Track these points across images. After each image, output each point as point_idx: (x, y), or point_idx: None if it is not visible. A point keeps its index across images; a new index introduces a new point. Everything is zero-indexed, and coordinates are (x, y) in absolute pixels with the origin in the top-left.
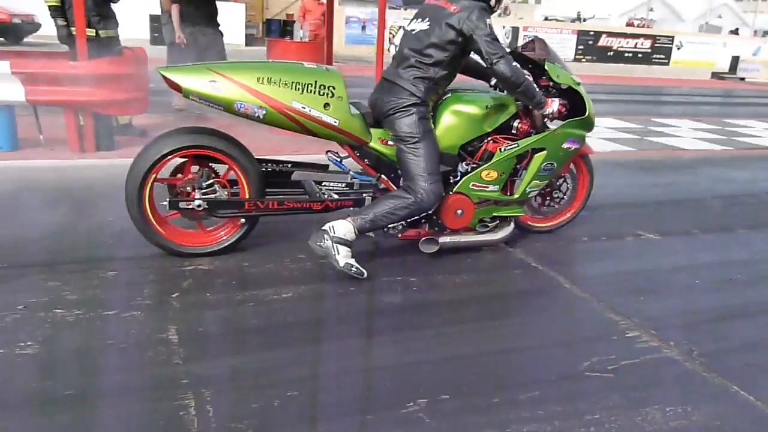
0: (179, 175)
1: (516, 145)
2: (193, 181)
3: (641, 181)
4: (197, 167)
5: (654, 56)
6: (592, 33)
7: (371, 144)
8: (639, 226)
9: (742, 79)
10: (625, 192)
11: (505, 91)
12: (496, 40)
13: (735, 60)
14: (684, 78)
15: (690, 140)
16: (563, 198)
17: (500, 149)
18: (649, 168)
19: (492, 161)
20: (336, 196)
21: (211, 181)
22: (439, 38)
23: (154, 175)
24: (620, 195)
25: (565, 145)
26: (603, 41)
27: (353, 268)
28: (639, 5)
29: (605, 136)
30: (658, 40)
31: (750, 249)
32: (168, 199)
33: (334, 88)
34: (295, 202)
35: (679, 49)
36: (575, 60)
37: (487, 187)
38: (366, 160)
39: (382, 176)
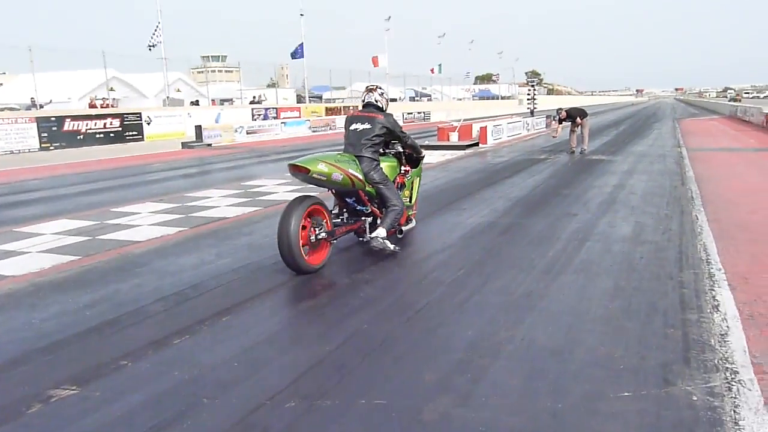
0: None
1: (411, 176)
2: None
3: (70, 306)
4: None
5: (127, 134)
6: (53, 118)
7: (367, 188)
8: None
9: (209, 145)
10: (47, 329)
11: (406, 151)
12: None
13: (199, 129)
14: (159, 152)
15: (147, 228)
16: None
17: (406, 180)
18: (90, 281)
19: (405, 186)
20: (353, 220)
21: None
22: (378, 131)
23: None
24: (44, 337)
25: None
26: (68, 125)
27: (396, 248)
28: (98, 86)
29: (44, 248)
30: (127, 118)
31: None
32: (317, 233)
33: (354, 165)
34: (345, 227)
35: (149, 124)
36: (42, 149)
37: (405, 200)
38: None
39: (373, 206)
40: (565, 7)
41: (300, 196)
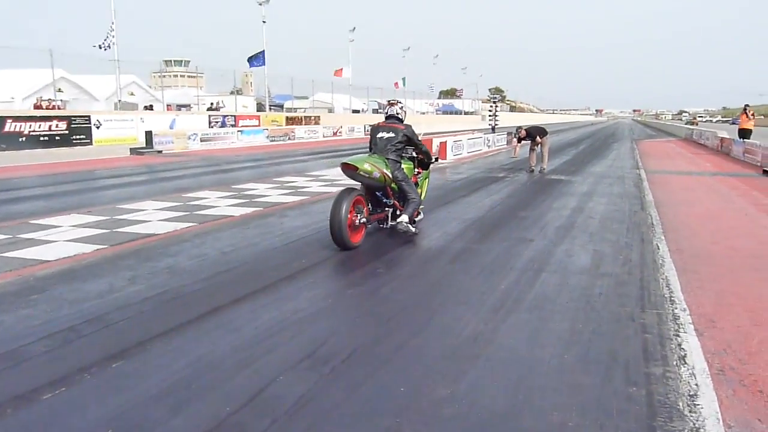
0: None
1: (422, 177)
2: (361, 212)
3: None
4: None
5: (74, 137)
6: None
7: (392, 185)
8: None
9: (160, 152)
10: None
11: (419, 156)
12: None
13: (149, 134)
14: (105, 157)
15: (62, 245)
16: None
17: (419, 179)
18: None
19: (419, 184)
20: (379, 210)
21: (364, 210)
22: (401, 139)
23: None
24: None
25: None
26: (10, 127)
27: (416, 231)
28: (44, 86)
29: None
30: (74, 120)
31: None
32: (358, 218)
33: (386, 165)
34: (375, 216)
35: (98, 128)
36: None
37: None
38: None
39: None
40: (529, 28)
41: (347, 188)
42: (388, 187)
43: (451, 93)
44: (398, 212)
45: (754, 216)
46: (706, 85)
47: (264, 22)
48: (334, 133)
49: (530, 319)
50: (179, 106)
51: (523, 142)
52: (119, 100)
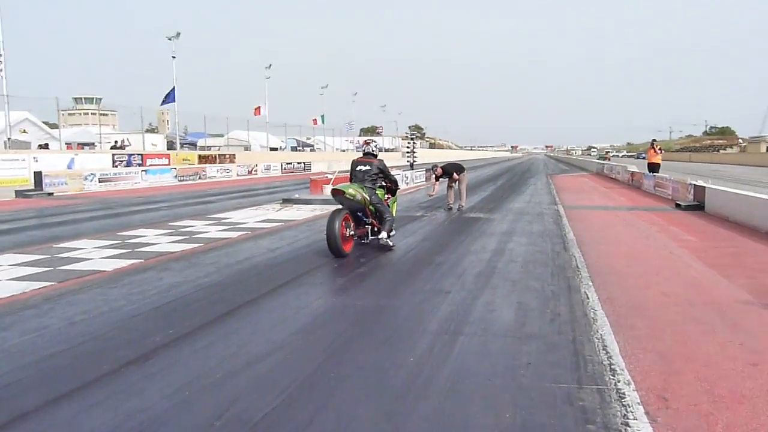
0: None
1: (391, 201)
2: (349, 226)
3: None
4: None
5: None
6: None
7: (369, 207)
8: None
9: (50, 194)
10: None
11: (388, 185)
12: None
13: (38, 175)
14: None
15: None
16: None
17: (389, 203)
18: None
19: (389, 206)
20: (360, 227)
21: (351, 225)
22: (375, 171)
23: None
24: None
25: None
26: None
27: (393, 245)
28: None
29: None
30: None
31: None
32: (348, 232)
33: (365, 191)
34: (359, 230)
35: None
36: None
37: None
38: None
39: (373, 218)
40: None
41: (337, 209)
42: (366, 209)
43: (371, 131)
44: (375, 229)
45: (677, 254)
46: (611, 122)
47: (174, 57)
48: (249, 172)
49: (441, 412)
50: (82, 145)
51: (441, 179)
52: (8, 139)
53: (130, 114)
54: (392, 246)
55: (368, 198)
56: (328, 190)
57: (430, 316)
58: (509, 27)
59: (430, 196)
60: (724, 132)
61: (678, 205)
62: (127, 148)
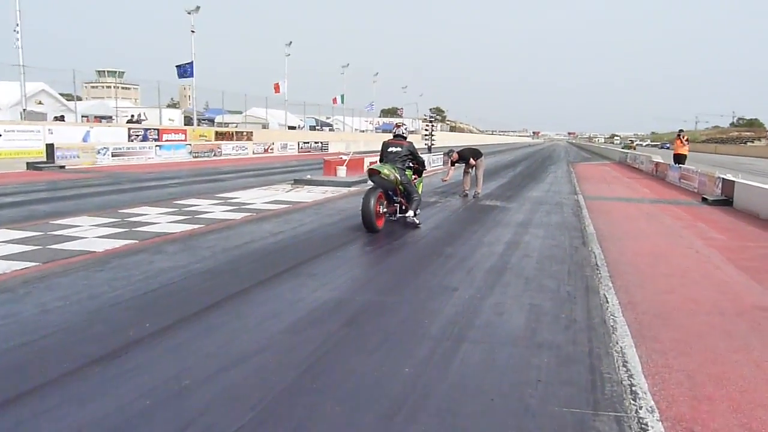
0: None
1: (418, 182)
2: (382, 203)
3: None
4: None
5: None
6: None
7: (400, 186)
8: None
9: (62, 167)
10: None
11: (414, 165)
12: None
13: (50, 148)
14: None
15: None
16: None
17: (416, 183)
18: None
19: (416, 186)
20: (391, 205)
21: (385, 203)
22: (405, 152)
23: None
24: None
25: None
26: None
27: (419, 223)
28: None
29: None
30: None
31: None
32: (380, 209)
33: (397, 171)
34: (390, 208)
35: None
36: None
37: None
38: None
39: (401, 197)
40: (470, 49)
41: (371, 188)
42: (397, 188)
43: (392, 112)
44: (403, 207)
45: (705, 254)
46: (635, 110)
47: (193, 31)
48: (266, 150)
49: None
50: (100, 118)
51: (456, 164)
52: (24, 110)
53: (152, 88)
54: (419, 224)
55: (399, 178)
56: (341, 171)
57: (432, 318)
58: (534, 13)
59: (443, 181)
60: (752, 124)
61: (704, 200)
62: (143, 122)
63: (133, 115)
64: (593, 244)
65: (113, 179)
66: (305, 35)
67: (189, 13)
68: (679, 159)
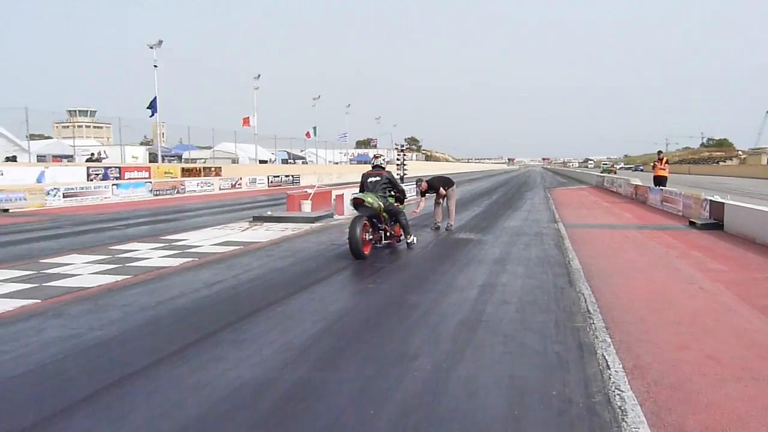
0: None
1: (400, 209)
2: (368, 231)
3: None
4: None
5: None
6: None
7: (383, 213)
8: None
9: (5, 210)
10: None
11: (397, 194)
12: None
13: None
14: None
15: None
16: None
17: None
18: None
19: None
20: (376, 233)
21: (370, 231)
22: (384, 181)
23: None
24: None
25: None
26: None
27: (416, 241)
28: None
29: None
30: None
31: None
32: (366, 236)
33: (379, 199)
34: (375, 235)
35: None
36: None
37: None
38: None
39: (385, 224)
40: (442, 81)
41: (357, 216)
42: (381, 215)
43: (366, 143)
44: (388, 234)
45: (711, 291)
46: (607, 134)
47: (155, 66)
48: (233, 186)
49: None
50: (60, 158)
51: (426, 195)
52: None
53: (123, 126)
54: (415, 242)
55: (382, 205)
56: (306, 206)
57: (380, 406)
58: (507, 43)
59: (413, 214)
60: (722, 144)
61: (692, 224)
62: (104, 160)
63: (92, 154)
64: (581, 283)
65: (55, 223)
66: (275, 68)
67: (151, 47)
68: (660, 181)
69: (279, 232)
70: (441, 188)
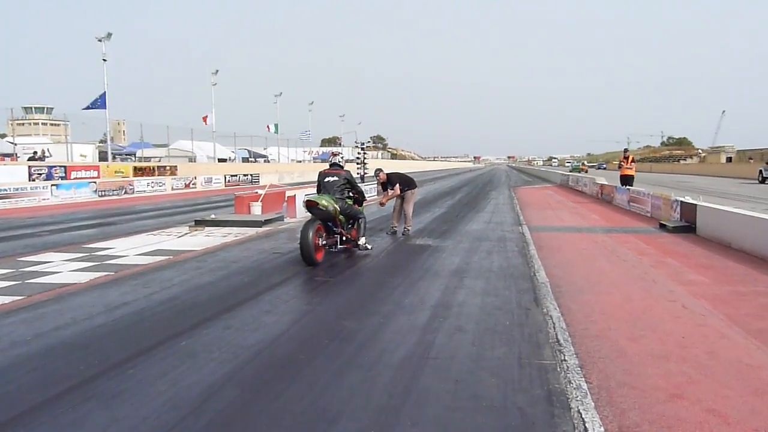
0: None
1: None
2: (321, 235)
3: None
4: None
5: None
6: None
7: (339, 216)
8: None
9: None
10: None
11: (354, 195)
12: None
13: None
14: None
15: None
16: None
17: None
18: None
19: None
20: (330, 236)
21: (324, 235)
22: (342, 181)
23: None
24: None
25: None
26: None
27: (370, 248)
28: None
29: None
30: None
31: None
32: (320, 241)
33: (335, 201)
34: (330, 240)
35: None
36: None
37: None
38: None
39: (341, 228)
40: (408, 79)
41: (310, 219)
42: (336, 219)
43: (332, 141)
44: (344, 239)
45: (695, 311)
46: (570, 133)
47: (105, 60)
48: (187, 185)
49: None
50: (3, 156)
51: (390, 190)
52: None
53: (80, 124)
54: (370, 248)
55: (338, 208)
56: (256, 208)
57: None
58: (471, 41)
59: (381, 205)
60: (682, 143)
61: (663, 226)
62: (47, 159)
63: (35, 152)
64: (548, 301)
65: None
66: (233, 63)
67: (100, 40)
68: (627, 180)
69: (219, 239)
70: (398, 187)
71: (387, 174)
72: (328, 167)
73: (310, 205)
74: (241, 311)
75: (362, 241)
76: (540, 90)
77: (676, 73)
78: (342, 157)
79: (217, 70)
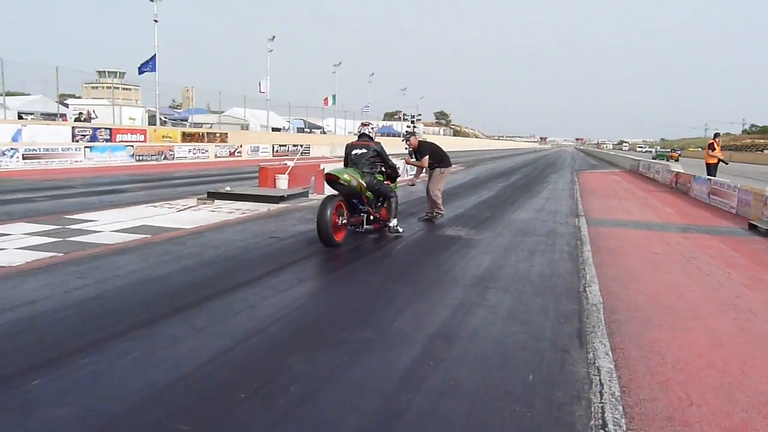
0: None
1: (391, 188)
2: (342, 213)
3: None
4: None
5: None
6: None
7: (366, 193)
8: None
9: None
10: None
11: (388, 171)
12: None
13: None
14: None
15: None
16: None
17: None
18: None
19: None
20: (355, 215)
21: (346, 213)
22: (372, 154)
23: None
24: None
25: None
26: None
27: (401, 231)
28: None
29: None
30: None
31: None
32: (340, 220)
33: (361, 176)
34: (353, 219)
35: None
36: None
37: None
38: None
39: (368, 206)
40: (475, 53)
41: (330, 195)
42: (362, 195)
43: (393, 115)
44: (372, 217)
45: None
46: (644, 117)
47: (156, 21)
48: (231, 153)
49: None
50: (49, 116)
51: (421, 164)
52: None
53: (147, 89)
54: (401, 232)
55: (364, 184)
56: (282, 182)
57: None
58: (543, 15)
59: (411, 185)
60: (766, 131)
61: (753, 227)
62: (93, 120)
63: (81, 113)
64: (598, 338)
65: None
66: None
67: (152, 0)
68: (710, 169)
69: (223, 215)
70: (427, 158)
71: (420, 141)
72: (357, 139)
73: (330, 179)
74: (160, 327)
75: (393, 222)
76: (614, 70)
77: (760, 58)
78: (372, 128)
79: (274, 36)
